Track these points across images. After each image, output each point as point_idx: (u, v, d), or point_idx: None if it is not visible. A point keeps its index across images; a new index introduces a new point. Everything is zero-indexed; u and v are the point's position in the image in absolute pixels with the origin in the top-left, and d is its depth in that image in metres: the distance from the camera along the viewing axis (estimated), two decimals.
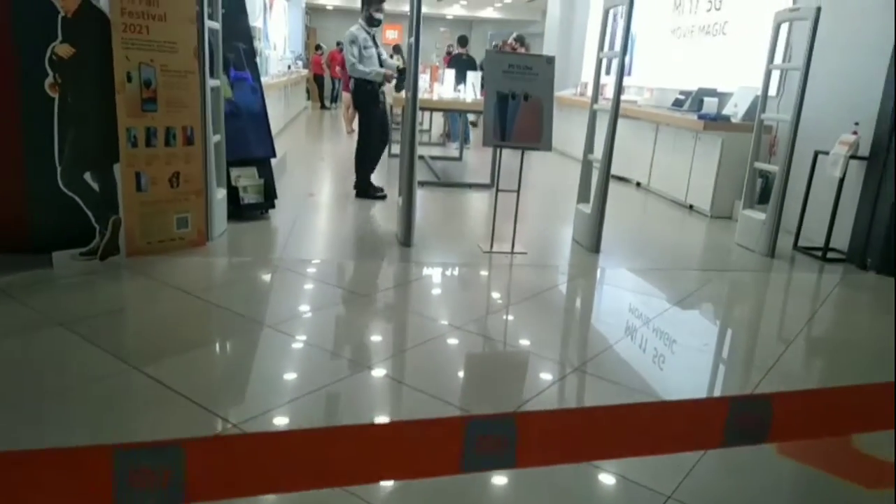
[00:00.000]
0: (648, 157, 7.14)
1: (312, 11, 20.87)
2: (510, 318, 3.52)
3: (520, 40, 9.83)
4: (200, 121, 4.08)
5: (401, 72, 5.77)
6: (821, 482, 2.10)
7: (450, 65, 9.48)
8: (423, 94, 6.78)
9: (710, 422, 0.85)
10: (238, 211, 4.83)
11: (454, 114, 9.68)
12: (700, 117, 6.13)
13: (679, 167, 6.50)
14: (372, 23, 5.78)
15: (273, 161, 5.26)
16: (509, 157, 4.86)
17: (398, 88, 5.79)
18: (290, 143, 9.34)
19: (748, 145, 5.21)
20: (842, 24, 4.98)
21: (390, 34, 19.14)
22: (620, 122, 4.53)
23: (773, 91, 5.37)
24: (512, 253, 4.46)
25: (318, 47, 17.39)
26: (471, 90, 7.36)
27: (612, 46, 6.01)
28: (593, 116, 4.87)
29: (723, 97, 6.53)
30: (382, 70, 5.75)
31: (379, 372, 2.72)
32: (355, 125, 11.31)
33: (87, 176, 3.64)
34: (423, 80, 7.20)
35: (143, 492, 0.78)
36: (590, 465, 2.07)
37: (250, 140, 4.99)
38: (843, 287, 4.34)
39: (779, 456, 2.04)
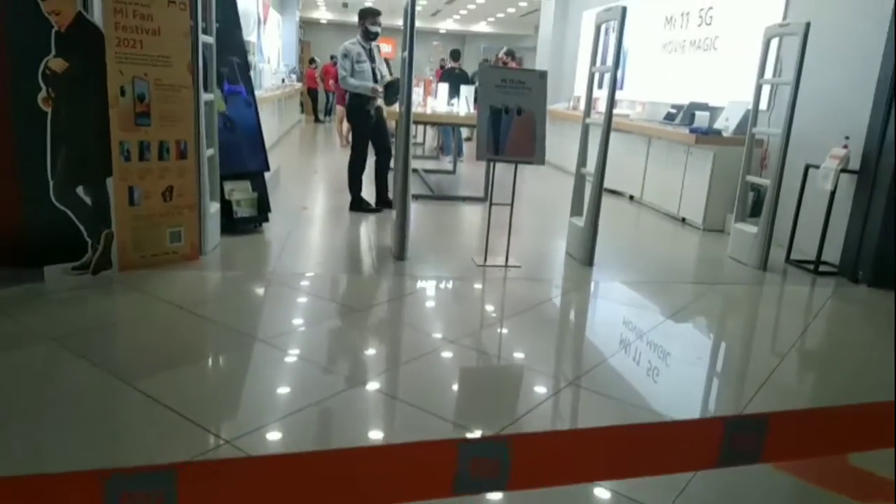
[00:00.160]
0: (641, 171, 7.17)
1: (306, 25, 20.99)
2: (504, 331, 3.52)
3: (510, 54, 10.03)
4: (194, 135, 4.08)
5: (388, 86, 5.74)
6: (817, 497, 2.10)
7: (442, 78, 9.52)
8: (416, 108, 6.81)
9: (704, 442, 0.85)
10: (231, 224, 4.81)
11: (447, 127, 9.73)
12: (692, 131, 6.17)
13: (671, 180, 6.54)
14: (368, 36, 5.78)
15: (267, 174, 5.26)
16: (503, 170, 4.88)
17: (388, 102, 5.76)
18: (284, 157, 9.35)
19: (740, 159, 5.25)
20: (831, 39, 5.04)
21: (384, 48, 19.22)
22: (613, 135, 4.55)
23: (763, 105, 5.42)
24: (506, 266, 4.47)
25: (311, 61, 17.47)
26: (464, 104, 7.40)
27: (604, 61, 6.06)
28: (586, 130, 4.90)
29: (714, 111, 6.58)
30: (370, 85, 5.72)
31: (373, 387, 2.70)
32: (349, 138, 11.40)
33: (80, 190, 3.63)
34: (417, 93, 7.23)
35: None
36: None
37: (244, 154, 4.99)
38: (836, 300, 4.36)
39: (776, 470, 2.03)
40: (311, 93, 16.58)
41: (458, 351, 3.11)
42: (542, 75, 4.49)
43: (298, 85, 15.49)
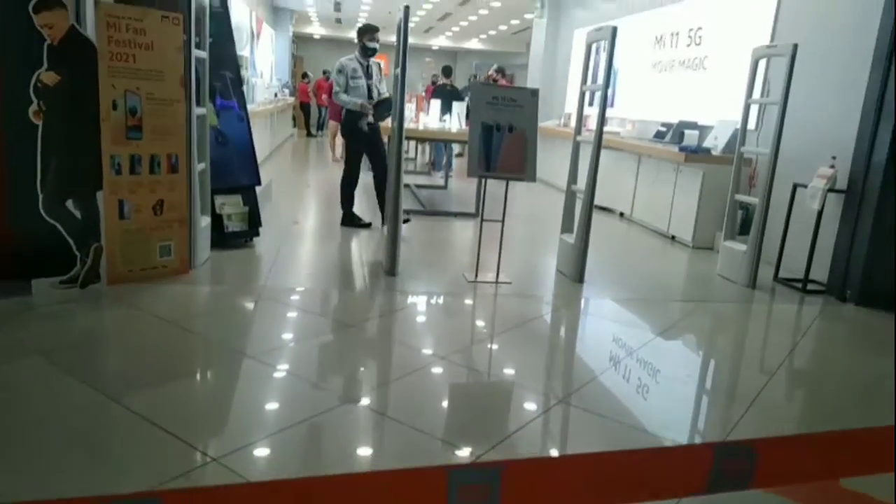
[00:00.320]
0: (631, 188, 7.22)
1: (299, 40, 21.08)
2: (495, 348, 3.51)
3: (500, 71, 10.19)
4: (185, 149, 4.08)
5: (380, 103, 5.73)
6: None
7: (434, 95, 9.58)
8: (409, 124, 6.84)
9: (693, 469, 0.85)
10: (222, 239, 4.80)
11: (439, 143, 9.78)
12: (681, 149, 6.23)
13: (661, 198, 6.59)
14: (366, 53, 5.79)
15: (258, 188, 5.25)
16: (494, 185, 4.89)
17: (376, 118, 5.74)
18: (276, 171, 9.35)
19: (728, 177, 5.30)
20: (818, 60, 5.12)
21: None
22: (603, 153, 4.59)
23: (752, 125, 5.48)
24: (496, 282, 4.47)
25: (304, 75, 17.53)
26: (456, 120, 7.43)
27: (594, 79, 6.12)
28: (576, 148, 4.93)
29: (703, 130, 6.64)
30: (359, 101, 5.70)
31: (362, 404, 2.69)
32: (339, 153, 11.42)
33: (70, 203, 3.61)
34: (409, 109, 7.26)
35: None
36: None
37: (235, 168, 4.99)
38: (824, 319, 4.39)
39: (765, 494, 2.03)
40: (304, 107, 16.64)
41: (448, 367, 3.11)
42: (534, 93, 4.52)
43: (291, 99, 15.54)
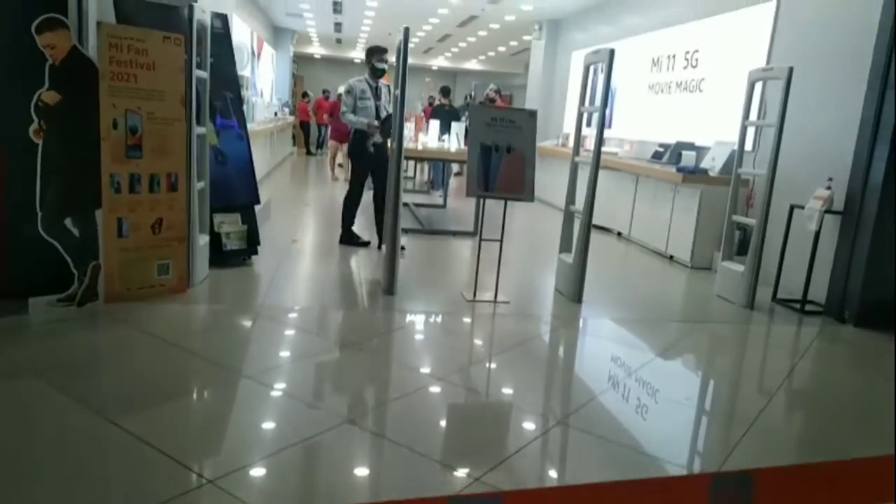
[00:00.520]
0: (629, 208, 7.25)
1: (300, 60, 21.24)
2: (493, 368, 3.50)
3: (497, 91, 10.39)
4: (185, 168, 4.09)
5: (384, 120, 5.78)
6: None
7: (432, 115, 9.64)
8: (408, 144, 6.87)
9: (690, 500, 0.84)
10: (220, 257, 4.80)
11: (438, 162, 9.83)
12: (679, 170, 6.26)
13: (659, 218, 6.61)
14: (375, 73, 5.83)
15: (257, 207, 5.26)
16: (493, 204, 4.91)
17: (384, 136, 5.78)
18: (275, 189, 9.36)
19: (726, 198, 5.32)
20: (814, 82, 5.17)
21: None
22: (601, 173, 4.61)
23: (748, 146, 5.52)
24: (495, 302, 4.47)
25: (304, 95, 17.65)
26: (455, 140, 7.48)
27: (592, 101, 6.16)
28: (575, 168, 4.96)
29: (700, 151, 6.69)
30: (365, 120, 5.75)
31: (360, 425, 2.67)
32: (338, 172, 11.47)
33: (68, 221, 3.61)
34: (408, 128, 7.30)
35: None
36: None
37: (235, 187, 5.00)
38: (822, 340, 4.38)
39: None
40: (304, 126, 16.73)
41: (446, 388, 3.09)
42: (532, 114, 4.56)
43: (291, 118, 15.63)
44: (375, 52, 5.83)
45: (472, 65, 22.67)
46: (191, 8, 4.11)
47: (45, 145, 3.48)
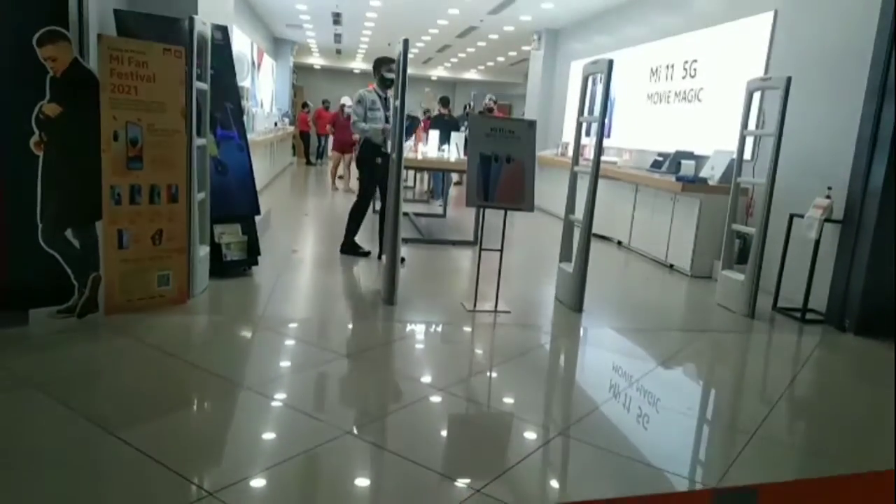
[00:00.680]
0: (629, 217, 7.26)
1: (300, 70, 21.31)
2: (494, 378, 3.49)
3: (494, 101, 10.53)
4: (185, 179, 4.10)
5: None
6: None
7: (432, 125, 9.67)
8: (408, 154, 6.88)
9: None
10: (221, 268, 4.80)
11: (437, 172, 9.86)
12: (678, 179, 6.28)
13: (659, 227, 6.61)
14: (384, 84, 5.85)
15: (257, 217, 5.27)
16: (492, 214, 4.92)
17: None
18: (275, 199, 9.37)
19: (725, 207, 5.33)
20: (812, 92, 5.19)
21: None
22: (601, 182, 4.62)
23: (748, 155, 5.53)
24: (495, 311, 4.46)
25: (304, 105, 17.71)
26: (454, 150, 7.49)
27: (591, 111, 6.19)
28: (574, 177, 4.97)
29: (700, 160, 6.70)
30: (379, 126, 5.73)
31: (360, 437, 2.66)
32: (339, 183, 11.48)
33: (69, 233, 3.61)
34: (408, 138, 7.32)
35: None
36: None
37: (235, 198, 5.01)
38: (823, 349, 4.37)
39: None
40: (304, 136, 16.78)
41: (446, 399, 3.08)
42: (531, 124, 4.57)
43: (291, 128, 15.68)
44: (384, 63, 5.85)
45: (472, 75, 22.75)
46: (191, 20, 4.14)
47: (46, 157, 3.49)
